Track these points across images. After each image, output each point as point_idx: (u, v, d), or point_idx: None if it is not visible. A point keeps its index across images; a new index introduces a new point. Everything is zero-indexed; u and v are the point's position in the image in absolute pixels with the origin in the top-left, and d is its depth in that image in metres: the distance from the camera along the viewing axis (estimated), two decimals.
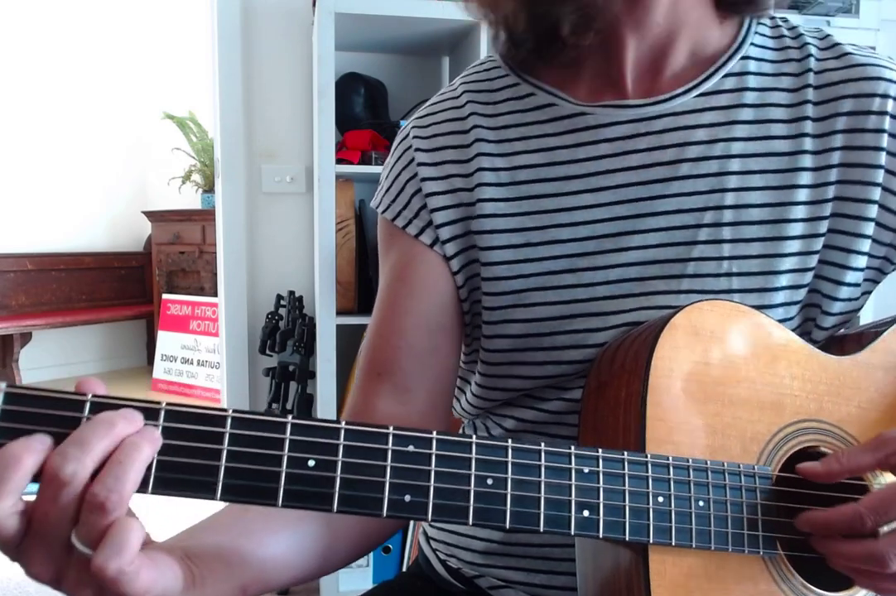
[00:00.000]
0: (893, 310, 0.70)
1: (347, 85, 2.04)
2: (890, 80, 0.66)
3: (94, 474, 0.40)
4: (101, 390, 0.43)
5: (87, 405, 0.42)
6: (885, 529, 0.52)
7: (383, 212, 0.75)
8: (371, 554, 1.93)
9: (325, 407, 1.87)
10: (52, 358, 4.77)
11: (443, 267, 0.72)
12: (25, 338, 4.28)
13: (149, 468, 0.42)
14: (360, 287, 1.95)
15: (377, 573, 1.97)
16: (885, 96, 0.66)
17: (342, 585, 1.93)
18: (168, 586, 0.44)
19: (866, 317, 2.05)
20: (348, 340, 2.00)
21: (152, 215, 4.76)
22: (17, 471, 0.38)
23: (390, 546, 1.93)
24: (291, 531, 0.58)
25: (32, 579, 0.41)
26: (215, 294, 3.04)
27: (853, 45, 0.70)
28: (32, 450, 0.39)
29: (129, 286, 5.11)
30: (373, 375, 0.71)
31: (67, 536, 0.40)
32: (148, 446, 0.41)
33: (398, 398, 0.70)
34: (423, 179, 0.72)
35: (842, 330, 0.71)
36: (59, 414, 0.41)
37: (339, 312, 1.87)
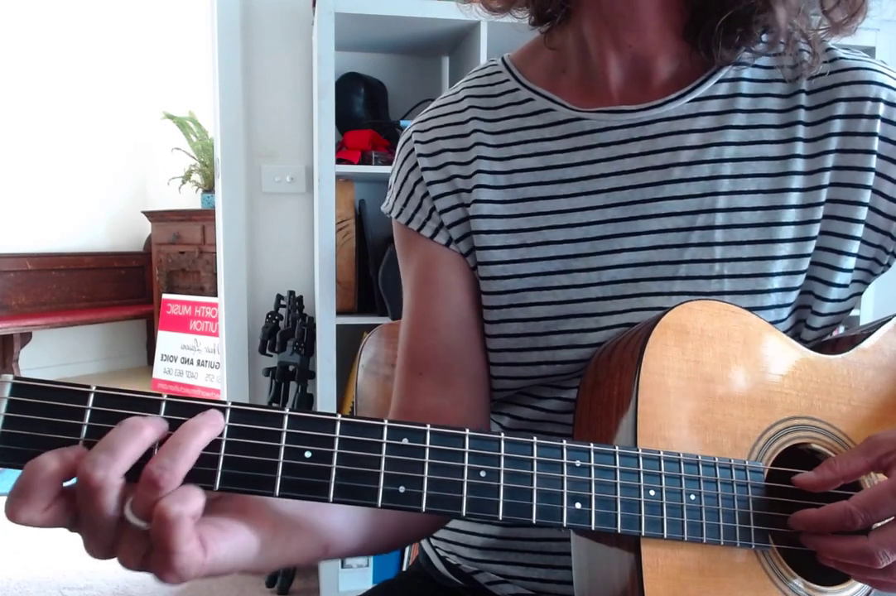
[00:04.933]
0: (893, 310, 0.70)
1: (347, 85, 2.05)
2: (881, 84, 0.67)
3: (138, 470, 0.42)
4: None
5: (91, 397, 0.43)
6: (877, 525, 0.52)
7: (397, 217, 0.77)
8: None
9: (325, 407, 1.87)
10: (52, 358, 4.77)
11: (462, 264, 0.73)
12: (25, 338, 4.28)
13: None
14: (360, 287, 1.96)
15: (377, 573, 1.98)
16: (876, 100, 0.66)
17: (342, 585, 1.93)
18: (241, 551, 0.46)
19: (866, 318, 2.05)
20: (348, 340, 2.01)
21: (152, 215, 4.75)
22: (42, 479, 0.41)
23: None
24: (348, 509, 0.59)
25: (90, 555, 0.44)
26: (215, 294, 3.05)
27: (845, 48, 0.70)
28: (61, 457, 0.42)
29: (129, 286, 5.11)
30: (414, 375, 0.73)
31: (113, 522, 0.42)
32: (206, 430, 0.43)
33: (442, 392, 0.72)
34: (430, 183, 0.74)
35: (840, 331, 0.72)
36: (63, 405, 0.42)
37: (339, 312, 1.88)
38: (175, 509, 0.41)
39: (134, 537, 0.43)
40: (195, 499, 0.42)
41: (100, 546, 0.43)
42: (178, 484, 0.42)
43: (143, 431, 0.42)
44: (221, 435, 0.44)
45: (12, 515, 0.41)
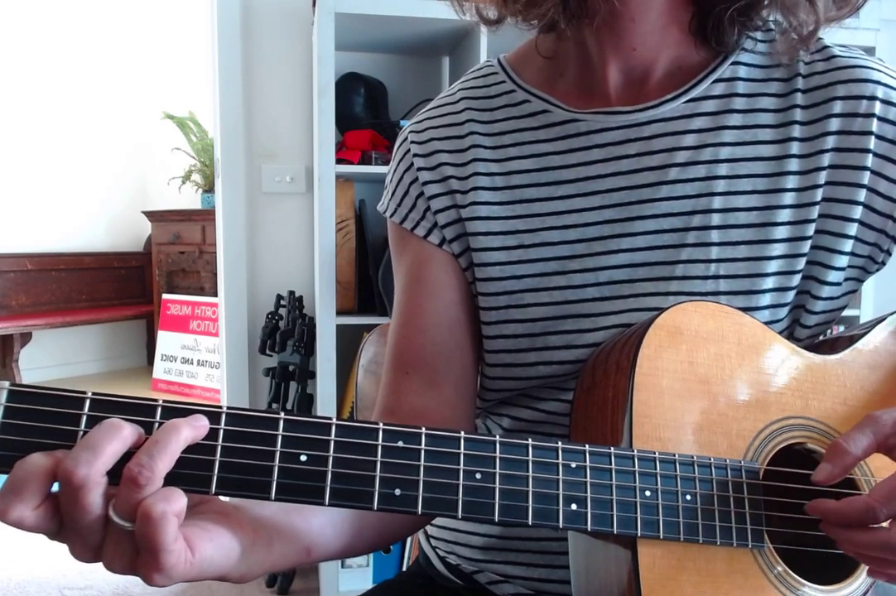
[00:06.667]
0: (893, 310, 0.70)
1: (347, 85, 2.04)
2: (877, 82, 0.67)
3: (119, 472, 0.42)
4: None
5: (87, 403, 0.43)
6: None
7: (391, 216, 0.77)
8: (371, 554, 1.94)
9: (325, 407, 1.87)
10: (52, 358, 4.77)
11: (454, 265, 0.74)
12: (25, 338, 4.28)
13: None
14: (360, 287, 1.96)
15: (377, 573, 1.98)
16: (872, 98, 0.66)
17: (342, 585, 1.93)
18: (224, 553, 0.46)
19: (866, 318, 2.05)
20: (348, 340, 2.01)
21: (152, 215, 4.76)
22: (34, 474, 0.41)
23: (390, 546, 1.94)
24: (328, 511, 0.59)
25: (76, 559, 0.44)
26: (215, 294, 3.05)
27: (841, 46, 0.70)
28: (50, 455, 0.42)
29: (129, 286, 5.11)
30: (401, 374, 0.73)
31: (97, 523, 0.42)
32: (187, 429, 0.43)
33: (428, 393, 0.72)
34: (425, 183, 0.74)
35: (839, 330, 0.72)
36: (59, 411, 0.43)
37: (339, 312, 1.88)
38: (160, 508, 0.41)
39: (119, 538, 0.43)
40: (179, 498, 0.42)
41: (85, 548, 0.43)
42: (158, 482, 0.42)
43: (123, 429, 0.42)
44: (217, 439, 0.44)
45: (3, 513, 0.41)
